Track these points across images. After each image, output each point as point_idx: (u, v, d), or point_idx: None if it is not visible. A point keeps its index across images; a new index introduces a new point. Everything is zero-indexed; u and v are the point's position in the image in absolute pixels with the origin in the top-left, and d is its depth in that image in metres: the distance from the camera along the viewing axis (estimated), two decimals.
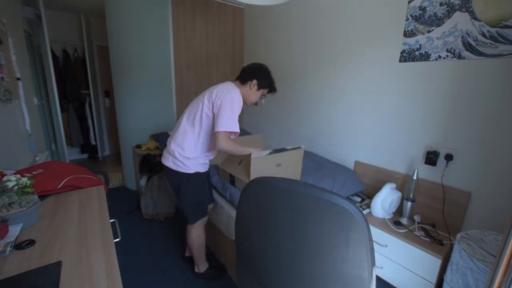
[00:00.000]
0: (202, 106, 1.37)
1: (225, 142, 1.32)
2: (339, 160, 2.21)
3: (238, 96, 1.37)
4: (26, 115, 1.99)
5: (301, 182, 0.74)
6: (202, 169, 1.50)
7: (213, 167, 1.92)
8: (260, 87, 1.46)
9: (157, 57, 2.71)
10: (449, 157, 1.52)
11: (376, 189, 1.76)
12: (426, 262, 1.38)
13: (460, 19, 1.41)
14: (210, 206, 1.70)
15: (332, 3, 2.08)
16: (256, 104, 1.54)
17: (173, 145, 1.43)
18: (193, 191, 1.48)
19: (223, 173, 1.78)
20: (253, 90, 1.45)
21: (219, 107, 1.31)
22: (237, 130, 1.33)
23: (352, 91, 2.04)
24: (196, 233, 1.58)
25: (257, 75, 1.44)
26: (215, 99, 1.33)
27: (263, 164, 1.49)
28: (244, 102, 1.45)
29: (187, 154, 1.41)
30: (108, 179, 1.92)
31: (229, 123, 1.30)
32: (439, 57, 1.51)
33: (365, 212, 1.76)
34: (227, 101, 1.31)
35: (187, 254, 1.86)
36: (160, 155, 1.67)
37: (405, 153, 1.76)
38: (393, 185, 1.68)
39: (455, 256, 1.20)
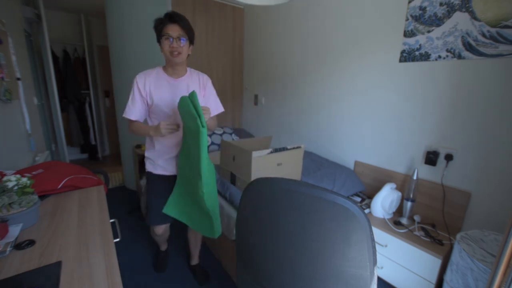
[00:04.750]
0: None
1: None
2: (339, 160, 2.21)
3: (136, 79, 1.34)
4: (26, 115, 1.99)
5: (302, 182, 0.74)
6: (153, 169, 1.45)
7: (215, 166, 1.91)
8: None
9: (157, 57, 2.70)
10: (449, 157, 1.52)
11: (376, 189, 1.76)
12: (426, 262, 1.38)
13: (460, 19, 1.41)
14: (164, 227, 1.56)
15: (332, 3, 2.09)
16: (171, 52, 1.29)
17: None
18: (146, 190, 1.51)
19: (224, 172, 1.78)
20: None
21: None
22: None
23: (352, 91, 2.04)
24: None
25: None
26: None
27: (263, 164, 1.49)
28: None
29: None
30: (108, 179, 1.92)
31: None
32: (439, 57, 1.51)
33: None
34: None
35: (192, 263, 1.77)
36: None
37: (405, 153, 1.76)
38: (393, 185, 1.68)
39: (455, 256, 1.20)
